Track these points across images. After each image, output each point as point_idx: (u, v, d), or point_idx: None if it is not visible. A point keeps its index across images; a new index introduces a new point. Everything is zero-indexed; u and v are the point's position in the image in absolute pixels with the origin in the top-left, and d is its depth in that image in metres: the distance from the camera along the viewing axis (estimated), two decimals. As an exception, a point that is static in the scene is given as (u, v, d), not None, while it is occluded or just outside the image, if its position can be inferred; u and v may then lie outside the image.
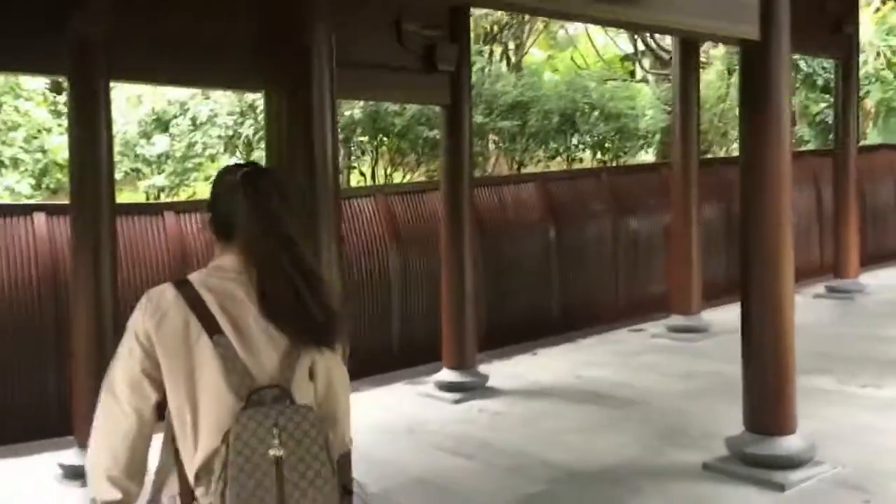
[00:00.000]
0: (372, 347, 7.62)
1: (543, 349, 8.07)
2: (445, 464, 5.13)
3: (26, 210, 6.61)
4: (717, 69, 14.66)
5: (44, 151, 8.11)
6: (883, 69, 14.21)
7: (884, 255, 11.91)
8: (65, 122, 9.11)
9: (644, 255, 9.91)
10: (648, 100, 11.39)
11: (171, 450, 1.88)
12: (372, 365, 7.04)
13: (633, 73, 14.62)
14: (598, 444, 5.23)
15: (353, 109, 8.48)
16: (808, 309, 8.30)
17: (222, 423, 1.78)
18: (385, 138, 9.07)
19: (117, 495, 1.85)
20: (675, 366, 7.03)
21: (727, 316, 8.74)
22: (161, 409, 1.92)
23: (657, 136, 11.95)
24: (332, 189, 3.03)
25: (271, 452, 1.73)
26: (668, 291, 8.38)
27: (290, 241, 1.91)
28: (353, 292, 7.54)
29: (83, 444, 5.05)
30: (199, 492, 1.83)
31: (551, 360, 7.64)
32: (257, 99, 8.44)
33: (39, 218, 6.56)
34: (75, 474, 5.04)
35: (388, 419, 6.04)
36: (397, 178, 9.87)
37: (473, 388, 6.55)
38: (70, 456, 5.15)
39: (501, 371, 7.08)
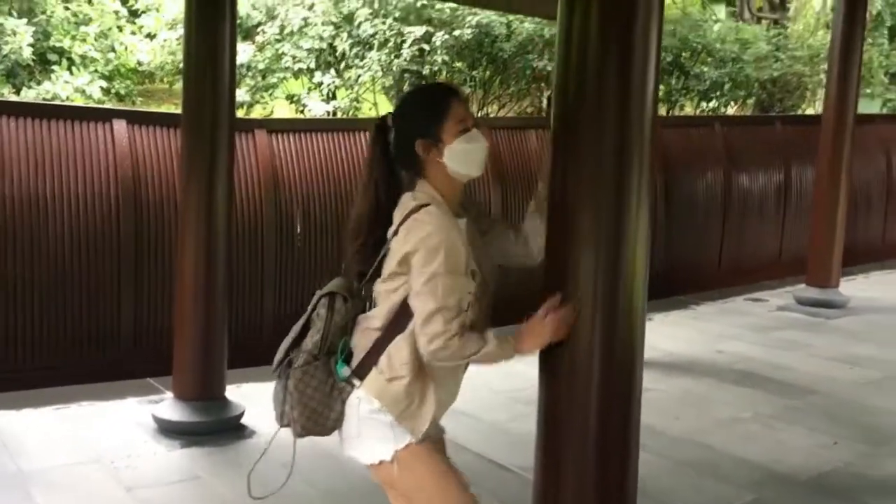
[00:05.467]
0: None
1: (656, 314, 7.22)
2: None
3: (105, 115, 5.73)
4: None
5: (114, 50, 7.18)
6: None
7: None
8: (137, 20, 8.26)
9: (755, 217, 9.01)
10: (762, 45, 10.31)
11: None
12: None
13: (734, 14, 13.42)
14: (789, 441, 4.41)
15: (462, 29, 7.50)
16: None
17: None
18: (488, 66, 8.07)
19: None
20: (828, 347, 6.17)
21: (864, 289, 7.95)
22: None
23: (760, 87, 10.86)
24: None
25: None
26: (807, 258, 7.46)
27: None
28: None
29: (182, 397, 4.29)
30: None
31: (674, 328, 6.80)
32: (356, 8, 7.47)
33: (119, 126, 5.69)
34: (172, 430, 4.26)
35: (519, 388, 5.22)
36: (491, 112, 8.89)
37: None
38: (164, 409, 4.37)
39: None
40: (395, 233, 2.10)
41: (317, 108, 7.39)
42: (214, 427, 4.23)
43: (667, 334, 6.56)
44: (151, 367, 5.35)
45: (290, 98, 7.85)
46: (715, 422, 4.68)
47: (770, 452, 4.22)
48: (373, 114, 8.08)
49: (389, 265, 2.12)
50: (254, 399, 4.72)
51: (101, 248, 5.51)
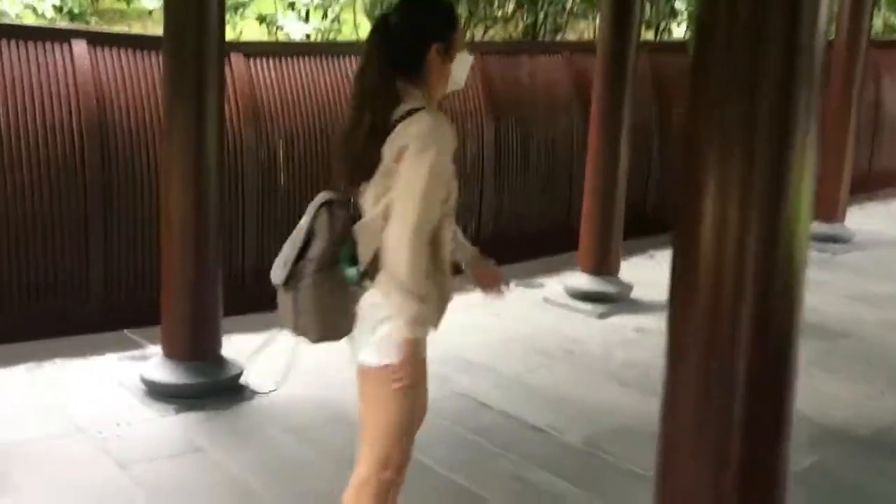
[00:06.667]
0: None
1: (656, 251, 6.88)
2: (646, 406, 4.00)
3: (62, 36, 5.06)
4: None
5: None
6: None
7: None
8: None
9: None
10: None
11: None
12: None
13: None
14: (831, 391, 4.12)
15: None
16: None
17: None
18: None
19: None
20: (844, 285, 5.89)
21: (865, 222, 7.60)
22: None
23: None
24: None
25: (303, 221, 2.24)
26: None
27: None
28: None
29: (174, 355, 3.82)
30: None
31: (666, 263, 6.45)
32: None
33: (79, 47, 5.02)
34: (164, 393, 3.80)
35: (530, 335, 4.87)
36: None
37: (617, 300, 5.38)
38: (154, 369, 3.89)
39: (631, 278, 5.87)
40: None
41: (295, 29, 6.74)
42: (211, 389, 3.79)
43: (662, 269, 6.22)
44: (127, 317, 4.86)
45: (262, 19, 7.18)
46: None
47: (816, 404, 3.91)
48: (354, 37, 7.47)
49: (383, 165, 2.11)
50: (249, 353, 4.28)
51: (64, 185, 4.90)
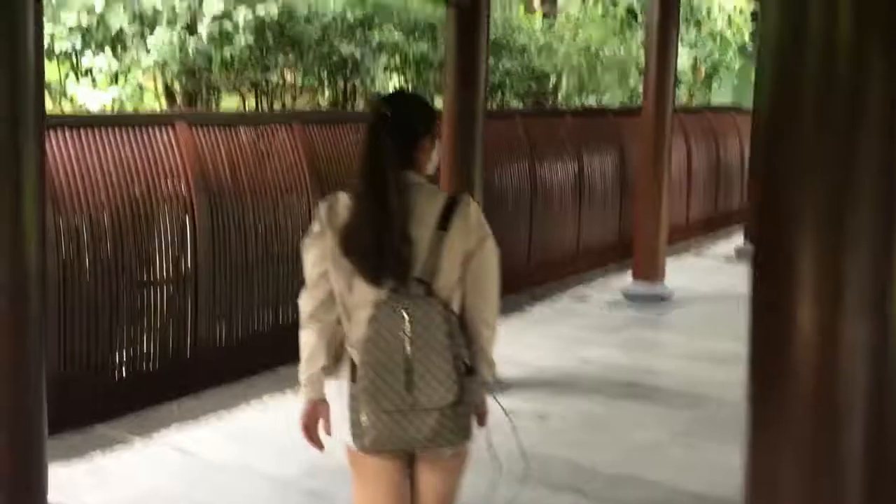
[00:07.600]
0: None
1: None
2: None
3: None
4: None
5: None
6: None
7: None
8: None
9: (557, 210, 8.82)
10: (539, 36, 10.20)
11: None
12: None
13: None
14: (726, 463, 4.04)
15: (268, 4, 6.39)
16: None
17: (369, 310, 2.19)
18: (290, 50, 7.06)
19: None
20: (679, 344, 6.03)
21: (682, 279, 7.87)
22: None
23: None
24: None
25: (401, 333, 2.13)
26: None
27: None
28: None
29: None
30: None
31: (524, 336, 6.31)
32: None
33: None
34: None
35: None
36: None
37: (480, 381, 5.08)
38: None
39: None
40: (446, 221, 2.23)
41: (91, 99, 5.93)
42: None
43: (522, 344, 6.07)
44: None
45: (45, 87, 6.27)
46: (637, 449, 4.23)
47: (720, 484, 3.76)
48: (158, 106, 6.75)
49: (453, 256, 2.23)
50: (70, 492, 3.51)
51: None
